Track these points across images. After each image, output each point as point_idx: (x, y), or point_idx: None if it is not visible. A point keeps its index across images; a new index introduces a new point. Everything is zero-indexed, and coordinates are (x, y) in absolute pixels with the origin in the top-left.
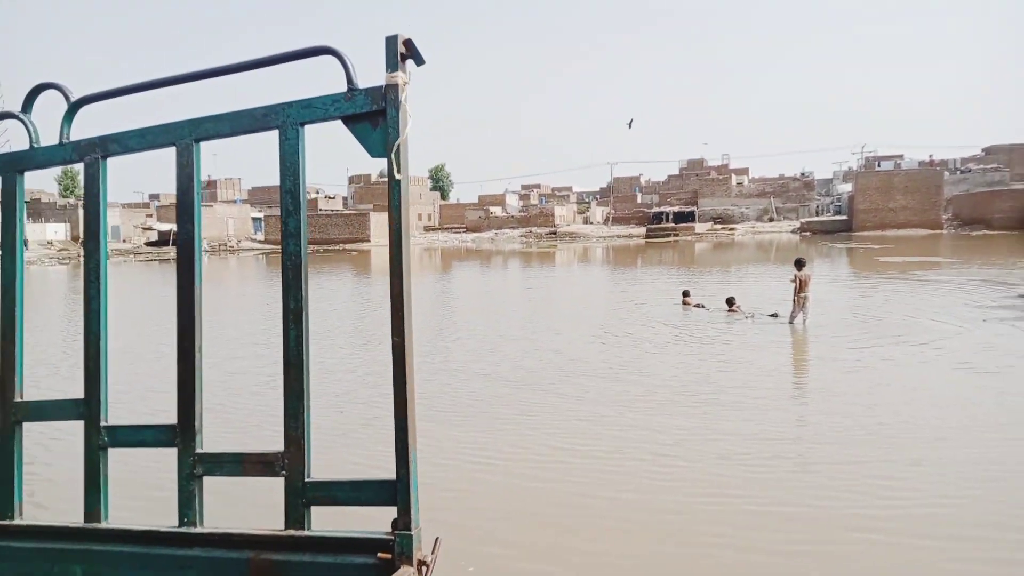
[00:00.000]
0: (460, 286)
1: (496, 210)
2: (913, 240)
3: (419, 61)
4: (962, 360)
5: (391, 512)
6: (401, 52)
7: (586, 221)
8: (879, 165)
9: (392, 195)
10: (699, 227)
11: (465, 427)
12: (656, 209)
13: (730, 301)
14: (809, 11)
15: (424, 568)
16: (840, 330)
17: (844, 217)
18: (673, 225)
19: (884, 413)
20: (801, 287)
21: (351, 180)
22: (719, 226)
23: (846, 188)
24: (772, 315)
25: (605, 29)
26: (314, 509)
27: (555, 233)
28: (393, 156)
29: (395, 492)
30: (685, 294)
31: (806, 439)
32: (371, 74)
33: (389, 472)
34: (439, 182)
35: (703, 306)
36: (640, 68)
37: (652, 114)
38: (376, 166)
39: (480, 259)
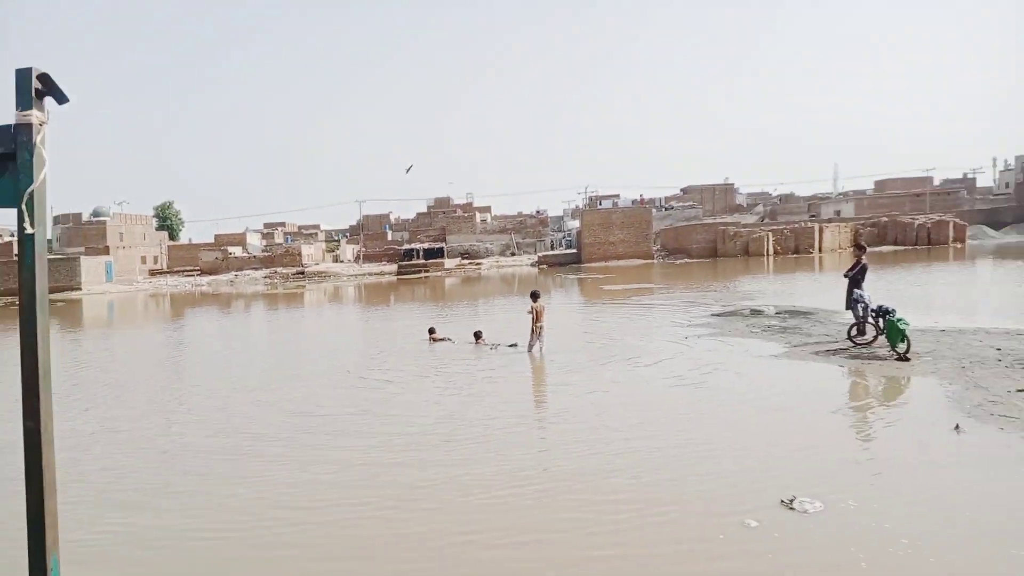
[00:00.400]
0: (191, 336)
1: (236, 250)
2: (630, 269)
3: (61, 99)
4: (673, 374)
5: None
6: (37, 88)
7: (336, 259)
8: (600, 204)
9: (24, 252)
10: (448, 262)
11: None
12: (407, 246)
13: (477, 334)
14: (538, 64)
15: None
16: (572, 356)
17: (574, 250)
18: (424, 261)
19: (609, 432)
20: (537, 317)
21: (57, 220)
22: (467, 261)
23: (575, 224)
24: (512, 345)
25: (362, 63)
26: None
27: (303, 273)
28: (25, 206)
29: None
30: (431, 331)
31: (546, 464)
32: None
33: None
34: (166, 221)
35: (449, 339)
36: (384, 109)
37: (400, 153)
38: (87, 204)
39: (218, 304)
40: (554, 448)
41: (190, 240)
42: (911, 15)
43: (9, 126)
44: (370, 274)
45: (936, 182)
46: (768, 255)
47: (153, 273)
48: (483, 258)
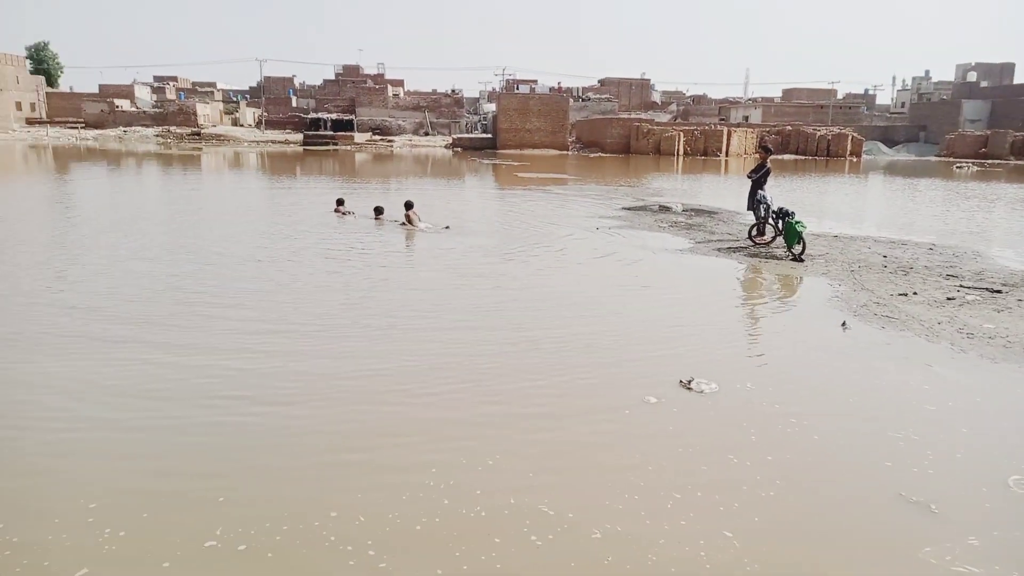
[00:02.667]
0: (84, 194)
1: (124, 104)
2: (546, 159)
3: None
4: (579, 263)
5: None
6: None
7: (235, 123)
8: (517, 88)
9: None
10: (358, 137)
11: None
12: (313, 115)
13: (408, 205)
14: None
15: None
16: (485, 240)
17: (490, 135)
18: (332, 133)
19: (512, 311)
20: (409, 221)
21: None
22: (378, 137)
23: (491, 108)
24: (446, 228)
25: None
26: None
27: (199, 134)
28: None
29: None
30: (339, 202)
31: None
32: None
33: None
34: (43, 64)
35: (352, 213)
36: None
37: (306, 12)
38: None
39: (107, 160)
40: (462, 325)
41: (71, 88)
42: None
43: None
44: (273, 142)
45: (840, 95)
46: (678, 155)
47: (31, 122)
48: (395, 135)
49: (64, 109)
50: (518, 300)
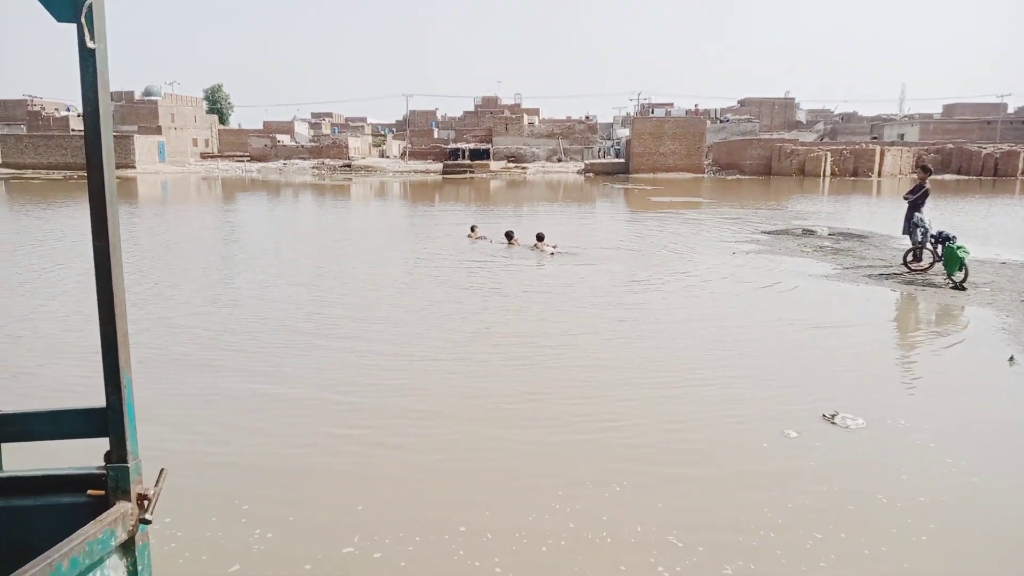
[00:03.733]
0: (246, 219)
1: (284, 138)
2: (680, 182)
3: None
4: (719, 289)
5: (105, 445)
6: None
7: (382, 155)
8: (652, 112)
9: (85, 69)
10: (494, 164)
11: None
12: (453, 145)
13: (509, 235)
14: None
15: (146, 503)
16: (614, 265)
17: (623, 160)
18: (469, 162)
19: (654, 342)
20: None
21: (111, 97)
22: (512, 164)
23: (624, 132)
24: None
25: None
26: (7, 447)
27: (350, 166)
28: (84, 19)
29: (106, 421)
30: (472, 228)
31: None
32: None
33: (99, 400)
34: (216, 104)
35: (486, 238)
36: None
37: (449, 48)
38: (138, 84)
39: (268, 191)
40: (582, 356)
41: (239, 125)
42: None
43: None
44: (415, 171)
45: (1010, 110)
46: (825, 176)
47: (204, 156)
48: (529, 162)
49: (232, 144)
50: (642, 335)
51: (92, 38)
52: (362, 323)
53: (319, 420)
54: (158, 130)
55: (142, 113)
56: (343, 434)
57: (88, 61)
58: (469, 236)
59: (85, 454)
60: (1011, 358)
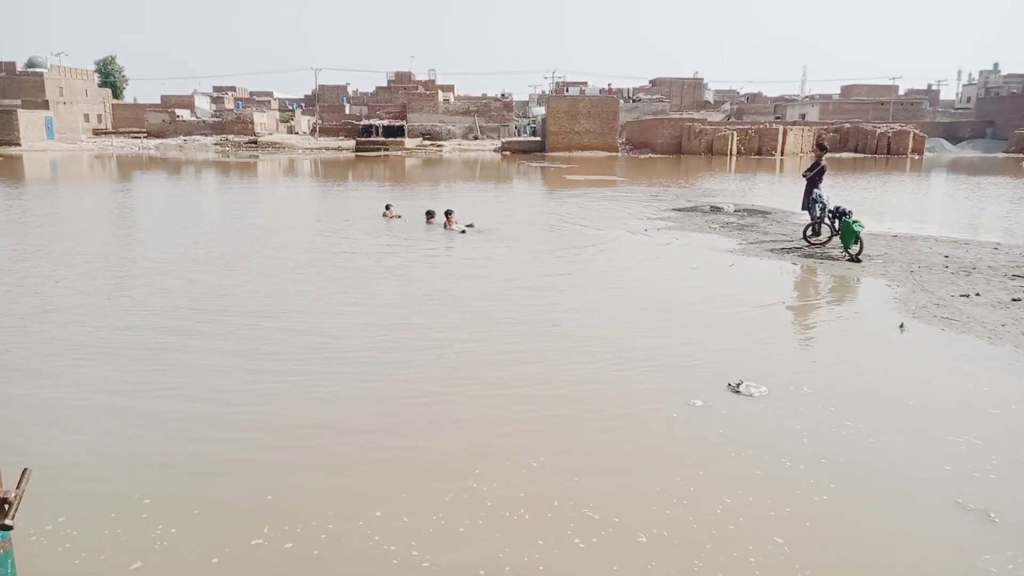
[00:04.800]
0: (141, 199)
1: (184, 113)
2: (595, 161)
3: None
4: (628, 263)
5: None
6: None
7: (290, 131)
8: (567, 91)
9: None
10: (409, 142)
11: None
12: (366, 122)
13: (447, 213)
14: None
15: (6, 506)
16: (530, 242)
17: (539, 138)
18: (384, 139)
19: (563, 313)
20: (448, 220)
21: None
22: (428, 142)
23: (540, 111)
24: (469, 226)
25: None
26: None
27: (256, 142)
28: None
29: None
30: (387, 207)
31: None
32: None
33: None
34: (110, 77)
35: (400, 216)
36: None
37: (358, 21)
38: (21, 55)
39: (167, 169)
40: (497, 325)
41: (135, 100)
42: None
43: None
44: (327, 149)
45: (901, 91)
46: (732, 154)
47: (97, 132)
48: (445, 140)
49: (128, 120)
50: (560, 305)
51: None
52: (256, 317)
53: (209, 426)
54: (45, 104)
55: (26, 87)
56: (238, 427)
57: None
58: (384, 215)
59: None
60: (901, 325)
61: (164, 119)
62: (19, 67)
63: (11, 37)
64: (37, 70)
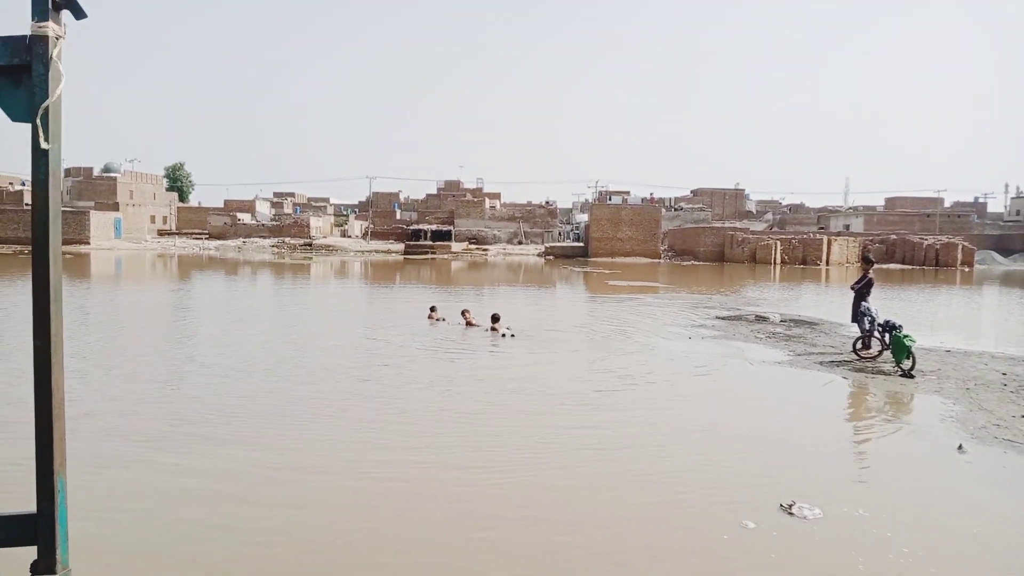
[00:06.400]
0: (196, 298)
1: (245, 217)
2: (637, 267)
3: (79, 14)
4: (676, 373)
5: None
6: (54, 0)
7: (344, 234)
8: (610, 199)
9: (37, 168)
10: (455, 246)
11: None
12: (415, 226)
13: (495, 318)
14: (552, 54)
15: None
16: (574, 349)
17: (581, 244)
18: (431, 243)
19: (612, 425)
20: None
21: (67, 173)
22: (474, 246)
23: (583, 218)
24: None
25: (382, 40)
26: None
27: (310, 245)
28: (39, 121)
29: (35, 528)
30: (432, 309)
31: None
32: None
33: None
34: (177, 182)
35: (444, 319)
36: (398, 84)
37: (410, 132)
38: (98, 160)
39: (224, 269)
40: (547, 433)
41: (199, 203)
42: (931, 32)
43: (24, 37)
44: (377, 251)
45: (947, 204)
46: (775, 263)
47: (161, 233)
48: (490, 244)
49: (192, 221)
50: (604, 421)
51: (47, 139)
52: (301, 416)
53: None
54: (115, 207)
55: (100, 189)
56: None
57: (41, 161)
58: (429, 318)
59: (9, 563)
60: (960, 446)
61: (225, 221)
62: (95, 172)
63: (91, 144)
64: (111, 174)
